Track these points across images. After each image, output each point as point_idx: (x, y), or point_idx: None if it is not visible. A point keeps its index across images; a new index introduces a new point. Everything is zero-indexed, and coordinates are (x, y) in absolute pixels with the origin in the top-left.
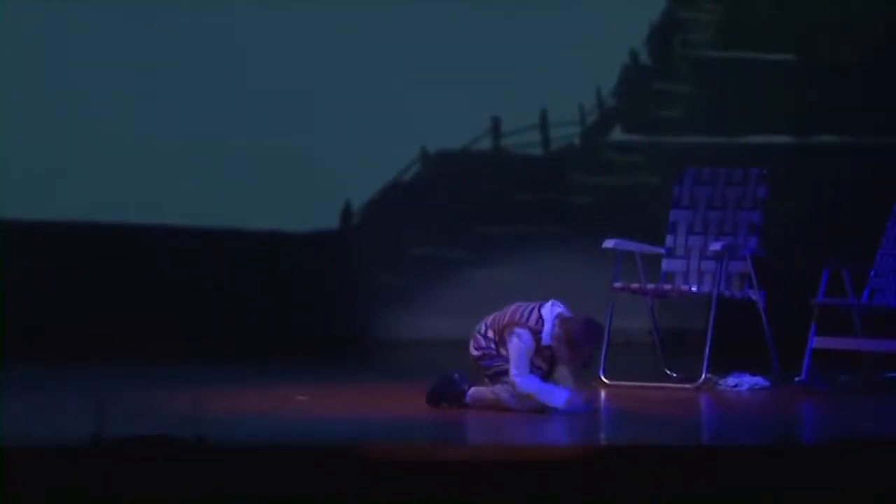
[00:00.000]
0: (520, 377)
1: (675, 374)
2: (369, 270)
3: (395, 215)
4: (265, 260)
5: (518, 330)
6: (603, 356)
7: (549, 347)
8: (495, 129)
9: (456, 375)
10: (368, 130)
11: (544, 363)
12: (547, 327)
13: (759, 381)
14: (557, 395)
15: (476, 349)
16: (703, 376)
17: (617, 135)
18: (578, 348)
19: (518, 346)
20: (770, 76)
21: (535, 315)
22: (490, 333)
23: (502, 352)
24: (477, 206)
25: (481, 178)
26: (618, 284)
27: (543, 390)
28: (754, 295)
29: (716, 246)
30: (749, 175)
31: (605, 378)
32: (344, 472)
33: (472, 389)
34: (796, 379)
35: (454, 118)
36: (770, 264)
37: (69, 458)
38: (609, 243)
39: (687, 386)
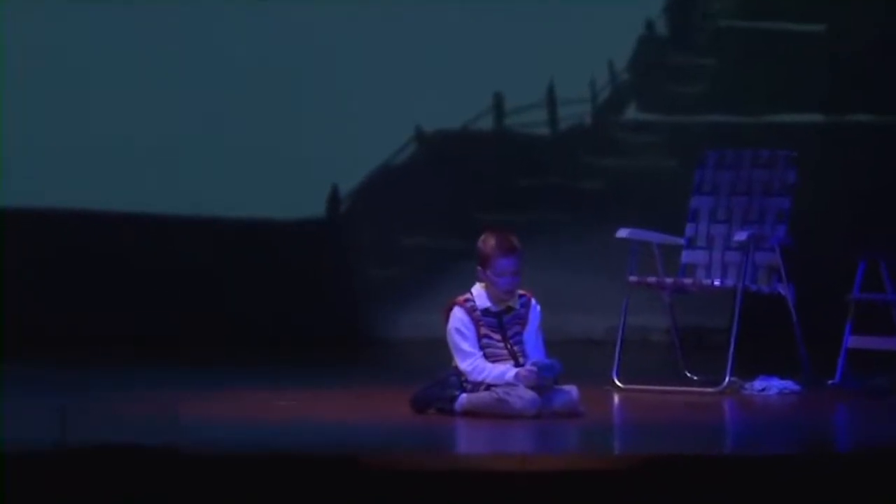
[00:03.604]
0: (469, 367)
1: (695, 377)
2: (359, 262)
3: (388, 202)
4: (244, 251)
5: (450, 316)
6: (616, 357)
7: (486, 310)
8: (497, 106)
9: (453, 378)
10: (358, 108)
11: (495, 331)
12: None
13: (788, 384)
14: (506, 372)
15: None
16: (727, 380)
17: (631, 113)
18: (492, 262)
19: (454, 334)
20: (799, 49)
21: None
22: None
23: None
24: (477, 191)
25: (482, 160)
26: (633, 278)
27: (493, 372)
28: (783, 289)
29: (741, 235)
30: (777, 157)
31: (619, 381)
32: (327, 483)
33: (464, 396)
34: (830, 382)
35: (452, 95)
36: (800, 255)
37: (28, 465)
38: (623, 233)
39: (709, 390)
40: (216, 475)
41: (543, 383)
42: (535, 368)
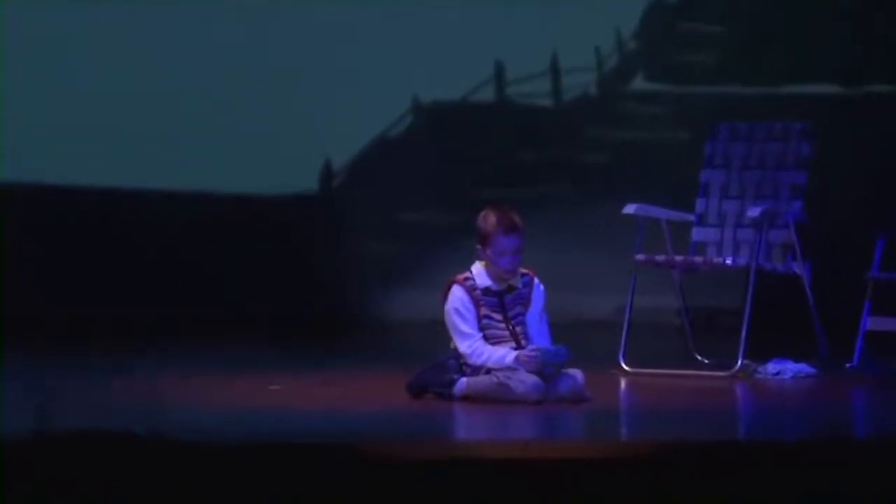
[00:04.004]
0: (467, 349)
1: (706, 361)
2: (353, 239)
3: (383, 176)
4: (234, 227)
5: (449, 295)
6: (623, 340)
7: (487, 289)
8: (499, 76)
9: (451, 361)
10: (352, 78)
11: (496, 311)
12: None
13: (803, 368)
14: (507, 355)
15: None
16: (740, 363)
17: (639, 83)
18: (492, 240)
19: (452, 314)
20: (814, 15)
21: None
22: None
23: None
24: (477, 165)
25: (482, 133)
26: (640, 257)
27: (493, 356)
28: (798, 268)
29: (754, 211)
30: (791, 129)
31: (626, 365)
32: (320, 472)
33: (463, 380)
34: (847, 365)
35: (451, 64)
36: (816, 232)
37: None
38: (630, 209)
39: (720, 374)
40: (204, 464)
41: (547, 370)
42: (536, 353)
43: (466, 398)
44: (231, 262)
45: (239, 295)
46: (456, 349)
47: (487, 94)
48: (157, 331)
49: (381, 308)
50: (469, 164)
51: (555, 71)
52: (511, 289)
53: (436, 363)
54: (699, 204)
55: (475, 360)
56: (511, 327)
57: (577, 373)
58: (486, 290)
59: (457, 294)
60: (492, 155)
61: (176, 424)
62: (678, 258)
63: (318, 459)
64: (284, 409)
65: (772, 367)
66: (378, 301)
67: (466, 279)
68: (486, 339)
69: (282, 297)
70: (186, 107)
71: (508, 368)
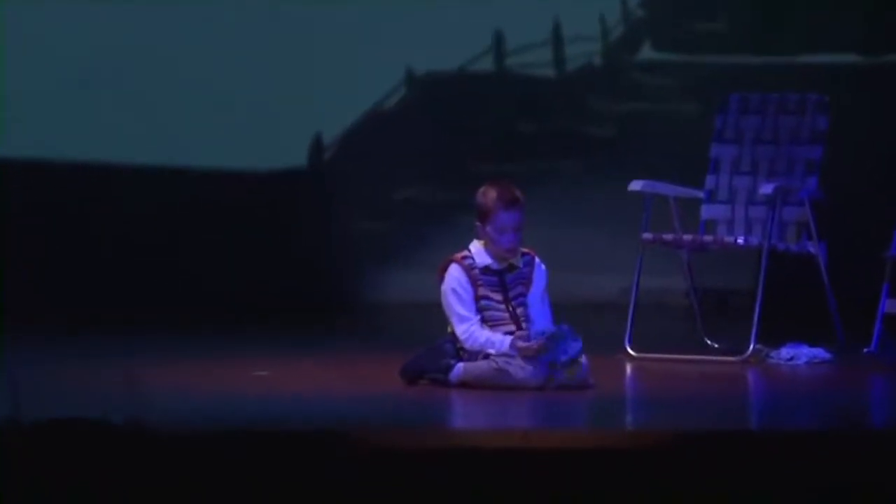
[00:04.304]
0: (464, 333)
1: (716, 345)
2: (345, 217)
3: (376, 150)
4: (218, 205)
5: (446, 275)
6: (629, 323)
7: (486, 267)
8: (497, 45)
9: (448, 346)
10: (343, 47)
11: (496, 292)
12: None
13: (819, 353)
14: (504, 340)
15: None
16: (752, 347)
17: (646, 53)
18: (492, 216)
19: (449, 295)
20: None
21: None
22: None
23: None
24: (475, 138)
25: (480, 105)
26: (647, 235)
27: (489, 340)
28: (813, 248)
29: (766, 188)
30: (806, 102)
31: (632, 349)
32: (308, 462)
33: (460, 365)
34: (865, 350)
35: (447, 33)
36: (832, 210)
37: None
38: (636, 185)
39: (731, 359)
40: (185, 453)
41: (552, 359)
42: (540, 340)
43: (463, 384)
44: (214, 242)
45: (223, 276)
46: (453, 332)
47: (486, 65)
48: (135, 314)
49: (374, 289)
50: (466, 138)
51: (557, 40)
52: (512, 268)
53: (431, 347)
54: (709, 180)
55: (471, 345)
56: (511, 308)
57: (580, 358)
58: (486, 269)
59: (454, 274)
60: (490, 128)
61: (155, 412)
62: (687, 237)
63: (306, 448)
64: (271, 395)
65: (785, 352)
66: (371, 282)
67: (464, 258)
68: (484, 321)
69: (268, 278)
70: (168, 79)
71: (508, 354)
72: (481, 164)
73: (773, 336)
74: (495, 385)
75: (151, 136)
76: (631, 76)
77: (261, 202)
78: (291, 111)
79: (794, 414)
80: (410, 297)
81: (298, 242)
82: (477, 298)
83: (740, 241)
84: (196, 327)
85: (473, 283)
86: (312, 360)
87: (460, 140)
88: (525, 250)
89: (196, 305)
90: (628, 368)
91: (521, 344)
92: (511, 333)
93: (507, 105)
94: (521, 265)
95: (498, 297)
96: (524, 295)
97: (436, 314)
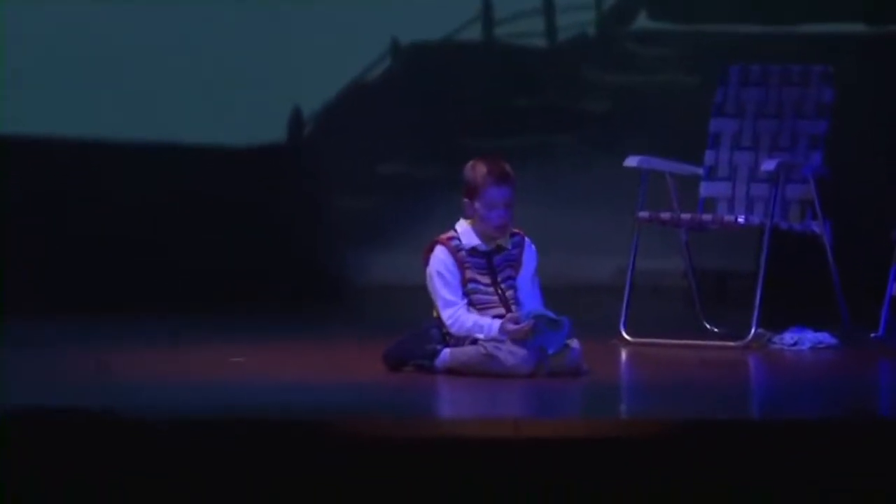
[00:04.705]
0: (450, 318)
1: (716, 330)
2: (325, 195)
3: (359, 124)
4: (192, 182)
5: (431, 257)
6: (624, 307)
7: (473, 249)
8: (486, 14)
9: (433, 330)
10: (323, 16)
11: (484, 274)
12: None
13: (824, 338)
14: (493, 325)
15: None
16: (753, 332)
17: (642, 22)
18: (481, 192)
19: (435, 278)
20: None
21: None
22: None
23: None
24: (462, 112)
25: (468, 76)
26: (643, 214)
27: (476, 324)
28: (818, 227)
29: (769, 164)
30: (810, 73)
31: (627, 334)
32: (286, 452)
33: (447, 351)
34: (872, 335)
35: (434, 1)
36: (838, 188)
37: None
38: (632, 161)
39: (732, 344)
40: (160, 442)
41: (544, 342)
42: (529, 322)
43: (450, 371)
44: (188, 220)
45: (196, 257)
46: (439, 317)
47: (474, 34)
48: (105, 297)
49: (356, 271)
50: (454, 112)
51: (549, 8)
52: (500, 249)
53: (416, 332)
54: (708, 156)
55: (458, 330)
56: (500, 291)
57: (573, 343)
58: (473, 251)
59: (439, 256)
60: (479, 101)
61: (126, 400)
62: (685, 216)
63: (285, 437)
64: (248, 383)
65: (789, 336)
66: (353, 263)
67: (450, 239)
68: (472, 305)
69: (244, 259)
70: (138, 51)
71: (497, 338)
72: (469, 139)
73: (776, 320)
74: (484, 372)
75: (120, 110)
76: (626, 46)
77: (237, 180)
78: (269, 83)
79: (798, 402)
80: (395, 279)
81: (277, 222)
82: (464, 282)
83: (741, 220)
84: (166, 311)
85: (460, 265)
86: (291, 345)
87: (447, 114)
88: (514, 230)
89: (167, 288)
90: (623, 354)
91: (510, 326)
92: (500, 317)
93: (497, 77)
94: (509, 246)
95: (486, 279)
96: (513, 277)
97: (422, 297)
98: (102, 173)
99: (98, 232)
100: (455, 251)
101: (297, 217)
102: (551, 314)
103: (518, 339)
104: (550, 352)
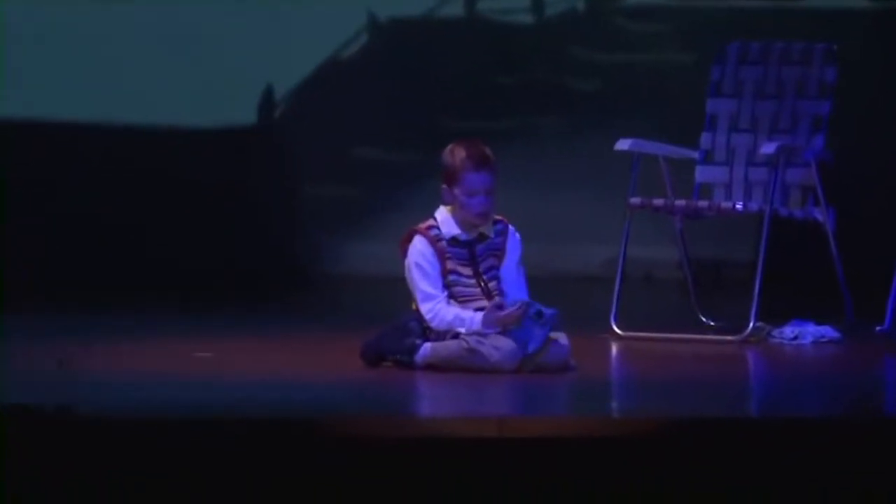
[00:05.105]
0: (429, 312)
1: (712, 323)
2: (298, 180)
3: (334, 105)
4: (158, 165)
5: (409, 247)
6: (615, 298)
7: (454, 238)
8: None
9: (413, 324)
10: None
11: (465, 265)
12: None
13: (826, 331)
14: (475, 318)
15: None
16: (751, 325)
17: None
18: (460, 178)
19: (413, 270)
20: None
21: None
22: None
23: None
24: (445, 92)
25: (450, 55)
26: (635, 200)
27: (458, 318)
28: (820, 214)
29: (768, 147)
30: (813, 51)
31: (618, 328)
32: (254, 452)
33: (427, 345)
34: (877, 329)
35: None
36: (841, 172)
37: None
38: (623, 144)
39: (729, 338)
40: (121, 441)
41: (529, 333)
42: (513, 308)
43: (431, 366)
44: (152, 206)
45: (160, 246)
46: (419, 309)
47: (456, 10)
48: (61, 287)
49: (331, 261)
50: (434, 91)
51: None
52: (482, 238)
53: (395, 325)
54: (704, 139)
55: (438, 325)
56: (482, 283)
57: (560, 337)
58: (454, 241)
59: (418, 247)
60: (461, 80)
61: (88, 397)
62: (679, 202)
63: (256, 437)
64: (215, 379)
65: (789, 330)
66: (328, 253)
67: (429, 228)
68: (453, 297)
69: (214, 248)
70: (103, 28)
71: (479, 332)
72: (451, 120)
73: (776, 313)
74: (466, 367)
75: (87, 92)
76: (617, 23)
77: (205, 163)
78: (239, 62)
79: (798, 399)
80: (373, 269)
81: (247, 208)
82: (444, 273)
83: (739, 206)
84: (125, 303)
85: (440, 256)
86: (263, 339)
87: (428, 94)
88: (497, 217)
89: (132, 277)
90: (614, 349)
91: (497, 313)
92: (483, 310)
93: (480, 55)
94: (492, 234)
95: (467, 271)
96: (496, 268)
97: (401, 289)
98: (66, 155)
99: (62, 214)
100: (435, 241)
101: (268, 203)
102: (539, 305)
103: (507, 324)
104: (531, 349)
